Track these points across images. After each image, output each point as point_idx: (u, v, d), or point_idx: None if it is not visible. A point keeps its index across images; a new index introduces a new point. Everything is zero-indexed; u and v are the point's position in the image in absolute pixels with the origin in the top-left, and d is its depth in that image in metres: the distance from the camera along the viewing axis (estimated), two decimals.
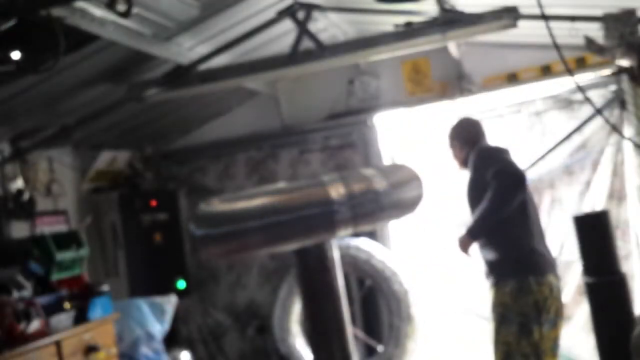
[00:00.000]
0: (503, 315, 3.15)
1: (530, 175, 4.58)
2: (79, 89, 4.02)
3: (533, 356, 3.11)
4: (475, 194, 3.25)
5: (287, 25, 3.89)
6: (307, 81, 5.53)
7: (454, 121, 3.62)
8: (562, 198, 4.96)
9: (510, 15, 3.50)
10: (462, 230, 3.25)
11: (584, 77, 4.68)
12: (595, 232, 3.89)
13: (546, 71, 4.98)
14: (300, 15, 3.72)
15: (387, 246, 5.31)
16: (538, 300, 3.12)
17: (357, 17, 4.56)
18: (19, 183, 4.28)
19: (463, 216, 4.99)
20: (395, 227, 5.36)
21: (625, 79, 3.63)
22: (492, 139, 3.61)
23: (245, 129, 5.82)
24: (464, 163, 3.44)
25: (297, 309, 5.10)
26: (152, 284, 5.02)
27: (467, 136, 3.47)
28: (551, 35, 2.74)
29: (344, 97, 5.55)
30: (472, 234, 3.21)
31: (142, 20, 3.39)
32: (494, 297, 3.22)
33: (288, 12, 3.70)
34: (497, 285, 3.20)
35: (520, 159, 3.64)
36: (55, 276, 3.92)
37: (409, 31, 3.74)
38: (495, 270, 3.25)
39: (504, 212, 3.12)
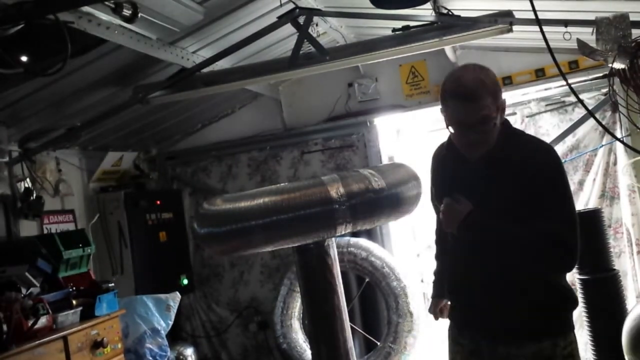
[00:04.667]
0: None
1: None
2: (86, 92, 4.03)
3: None
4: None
5: (289, 29, 3.89)
6: (308, 84, 5.62)
7: None
8: None
9: (505, 20, 3.51)
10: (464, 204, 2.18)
11: (577, 80, 4.74)
12: (588, 229, 3.91)
13: (540, 74, 5.04)
14: (301, 19, 3.71)
15: (385, 244, 5.37)
16: None
17: (356, 22, 4.56)
18: (27, 183, 4.29)
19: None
20: (393, 225, 5.40)
21: (617, 81, 3.67)
22: None
23: (247, 131, 5.87)
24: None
25: (297, 305, 5.12)
26: (156, 281, 5.03)
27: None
28: (545, 39, 2.77)
29: (344, 99, 5.62)
30: (474, 222, 2.16)
31: (147, 24, 3.40)
32: (550, 354, 2.16)
33: (289, 17, 3.68)
34: (556, 338, 2.19)
35: None
36: (63, 274, 3.95)
37: (406, 35, 3.76)
38: (553, 319, 2.22)
39: (531, 267, 2.17)
